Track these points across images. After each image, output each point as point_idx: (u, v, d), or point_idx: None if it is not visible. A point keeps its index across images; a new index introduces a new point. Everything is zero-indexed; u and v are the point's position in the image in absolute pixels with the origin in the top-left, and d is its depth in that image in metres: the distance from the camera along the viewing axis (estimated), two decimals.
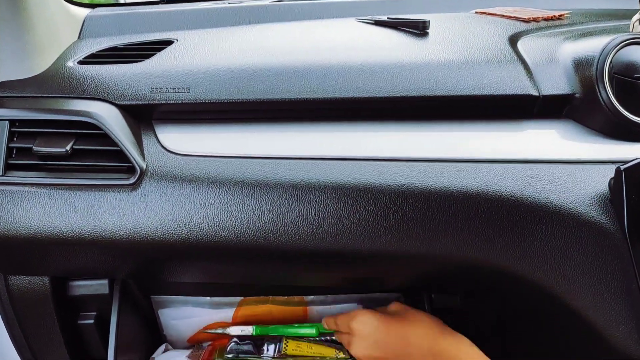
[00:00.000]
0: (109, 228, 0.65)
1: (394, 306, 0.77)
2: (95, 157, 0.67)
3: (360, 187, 0.66)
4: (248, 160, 0.68)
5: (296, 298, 0.86)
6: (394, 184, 0.66)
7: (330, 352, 0.83)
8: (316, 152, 0.69)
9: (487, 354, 0.89)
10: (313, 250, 0.67)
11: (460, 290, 0.80)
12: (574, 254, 0.64)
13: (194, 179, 0.66)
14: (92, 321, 0.82)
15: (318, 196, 0.66)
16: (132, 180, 0.66)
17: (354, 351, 0.74)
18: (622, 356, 0.64)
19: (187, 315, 0.88)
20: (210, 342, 0.94)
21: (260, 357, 0.83)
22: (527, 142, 0.71)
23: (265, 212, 0.66)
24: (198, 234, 0.65)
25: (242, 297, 0.86)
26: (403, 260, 0.69)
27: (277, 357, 0.83)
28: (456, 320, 0.85)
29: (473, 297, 0.80)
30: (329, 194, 0.66)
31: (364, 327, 0.74)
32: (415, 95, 0.71)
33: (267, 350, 0.84)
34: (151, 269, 0.73)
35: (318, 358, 0.82)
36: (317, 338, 0.86)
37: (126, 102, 0.70)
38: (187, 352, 0.88)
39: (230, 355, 0.83)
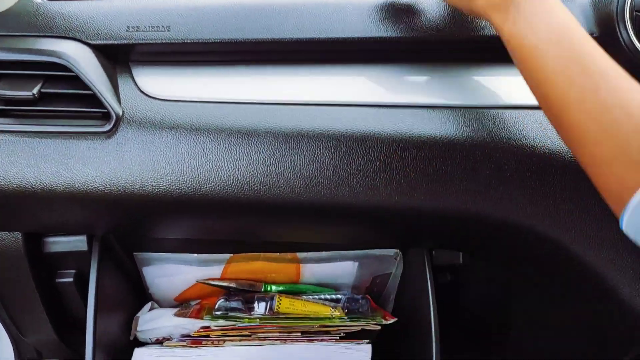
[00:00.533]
0: (83, 180, 0.60)
1: None
2: (66, 101, 0.61)
3: (358, 135, 0.60)
4: (235, 105, 0.62)
5: (289, 255, 0.82)
6: (395, 131, 0.61)
7: (325, 310, 0.79)
8: (310, 97, 0.63)
9: (490, 316, 0.85)
10: (307, 204, 0.62)
11: (463, 247, 0.76)
12: (593, 207, 0.60)
13: (176, 126, 0.60)
14: (71, 279, 0.77)
15: (312, 145, 0.60)
16: (107, 128, 0.60)
17: None
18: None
19: (172, 273, 0.83)
20: (198, 301, 0.90)
21: (250, 315, 0.78)
22: None
23: (254, 163, 0.60)
24: (181, 186, 0.60)
25: (232, 254, 0.81)
26: (403, 215, 0.64)
27: (268, 315, 0.79)
28: (457, 279, 0.81)
29: (476, 255, 0.76)
30: (323, 143, 0.60)
31: None
32: (417, 36, 0.64)
33: (258, 307, 0.80)
34: (132, 224, 0.68)
35: (312, 316, 0.78)
36: (313, 297, 0.82)
37: (99, 42, 0.63)
38: (174, 310, 0.84)
39: (218, 313, 0.78)
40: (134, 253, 0.80)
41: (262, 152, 0.60)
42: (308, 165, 0.60)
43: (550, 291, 0.73)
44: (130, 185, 0.60)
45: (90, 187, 0.60)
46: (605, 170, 0.46)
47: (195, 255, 0.80)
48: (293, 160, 0.60)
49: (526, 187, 0.60)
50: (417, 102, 0.62)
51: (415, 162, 0.61)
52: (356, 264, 0.84)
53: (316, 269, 0.84)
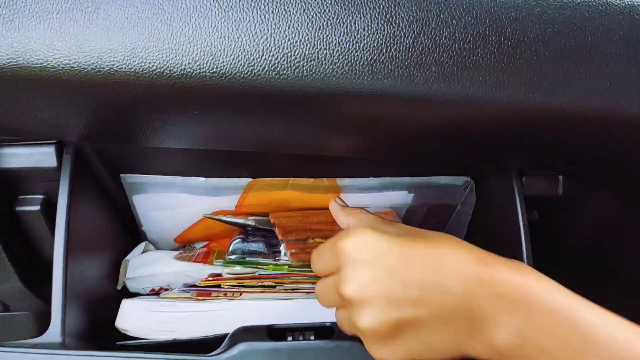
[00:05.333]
0: (41, 47, 0.39)
1: (394, 223, 0.47)
2: None
3: None
4: None
5: (326, 181, 0.62)
6: None
7: None
8: None
9: (588, 268, 0.66)
10: (371, 92, 0.41)
11: (572, 166, 0.56)
12: None
13: None
14: (37, 207, 0.57)
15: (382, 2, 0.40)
16: None
17: (349, 286, 0.41)
18: None
19: (172, 204, 0.63)
20: (205, 243, 0.71)
21: (275, 261, 0.59)
22: None
23: (295, 25, 0.40)
24: (184, 60, 0.40)
25: (251, 179, 0.61)
26: (508, 115, 0.43)
27: (299, 264, 0.60)
28: (550, 217, 0.61)
29: (589, 179, 0.56)
30: None
31: (366, 248, 0.41)
32: None
33: (284, 252, 0.60)
34: (115, 123, 0.47)
35: None
36: None
37: None
38: (175, 253, 0.65)
39: (233, 257, 0.59)
40: (122, 175, 0.60)
41: (309, 8, 0.40)
42: (377, 30, 0.40)
43: None
44: (109, 58, 0.40)
45: (51, 58, 0.40)
46: None
47: (203, 179, 0.60)
48: (355, 23, 0.40)
49: None
50: None
51: (537, 30, 0.40)
52: (411, 195, 0.65)
53: (359, 200, 0.64)
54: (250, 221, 0.65)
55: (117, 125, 0.47)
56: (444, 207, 0.67)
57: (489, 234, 0.60)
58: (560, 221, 0.62)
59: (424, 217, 0.69)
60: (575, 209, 0.59)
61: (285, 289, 0.59)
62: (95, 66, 0.40)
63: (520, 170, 0.56)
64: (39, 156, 0.53)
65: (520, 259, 0.54)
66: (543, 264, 0.57)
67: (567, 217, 0.61)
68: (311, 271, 0.58)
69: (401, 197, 0.64)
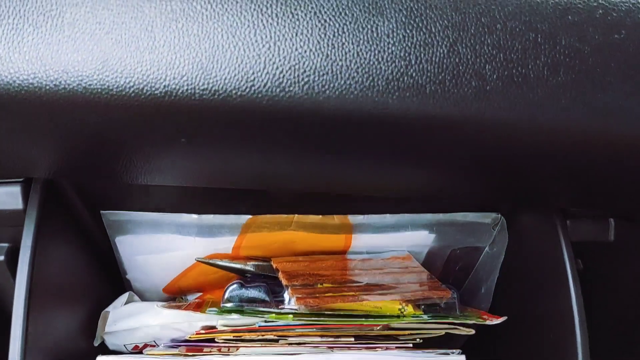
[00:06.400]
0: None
1: None
2: None
3: None
4: None
5: (336, 218, 0.54)
6: None
7: (391, 305, 0.52)
8: None
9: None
10: (392, 115, 0.34)
11: (618, 211, 0.48)
12: None
13: None
14: (0, 258, 0.50)
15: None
16: None
17: None
18: None
19: (161, 247, 0.55)
20: (199, 294, 0.63)
21: (278, 309, 0.51)
22: None
23: (303, 32, 0.33)
24: (167, 74, 0.33)
25: (250, 216, 0.53)
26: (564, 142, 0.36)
27: (306, 310, 0.51)
28: (596, 268, 0.53)
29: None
30: None
31: None
32: None
33: (289, 300, 0.52)
34: (87, 155, 0.40)
35: (373, 313, 0.51)
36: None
37: None
38: (163, 304, 0.57)
39: (229, 305, 0.51)
40: (102, 212, 0.52)
41: (320, 10, 0.33)
42: (404, 38, 0.33)
43: None
44: (77, 72, 0.32)
45: (5, 73, 0.32)
46: None
47: (195, 216, 0.53)
48: (377, 28, 0.33)
49: None
50: None
51: (600, 37, 0.33)
52: (432, 235, 0.57)
53: (374, 241, 0.57)
54: (249, 266, 0.57)
55: (89, 158, 0.39)
56: (470, 250, 0.59)
57: (528, 280, 0.52)
58: (608, 272, 0.54)
59: (446, 262, 0.61)
60: (628, 257, 0.51)
61: (290, 343, 0.51)
62: (60, 82, 0.33)
63: (564, 211, 0.48)
64: (3, 197, 0.45)
65: (570, 316, 0.46)
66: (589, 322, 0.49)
67: (617, 267, 0.53)
68: (321, 322, 0.50)
69: (421, 238, 0.57)
